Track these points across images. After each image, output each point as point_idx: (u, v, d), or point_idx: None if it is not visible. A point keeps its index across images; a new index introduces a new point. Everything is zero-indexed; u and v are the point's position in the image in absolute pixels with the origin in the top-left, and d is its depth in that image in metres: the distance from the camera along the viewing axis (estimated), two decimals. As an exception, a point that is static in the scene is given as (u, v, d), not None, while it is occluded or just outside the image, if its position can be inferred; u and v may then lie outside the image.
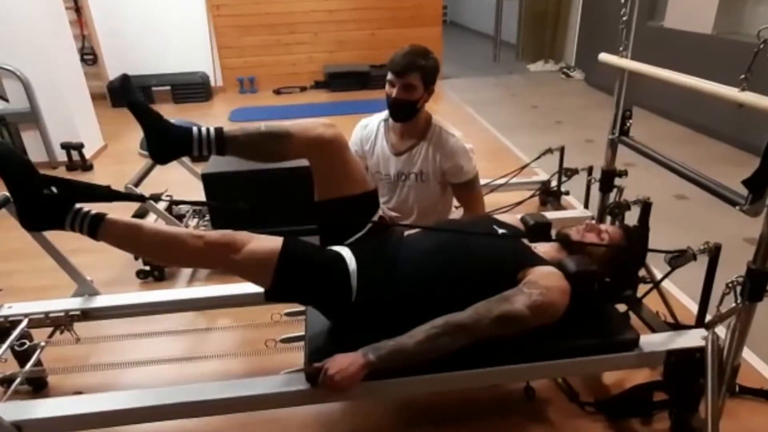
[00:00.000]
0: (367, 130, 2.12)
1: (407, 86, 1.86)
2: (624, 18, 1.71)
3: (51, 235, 1.73)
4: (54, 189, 1.28)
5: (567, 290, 1.36)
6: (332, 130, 1.48)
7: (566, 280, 1.37)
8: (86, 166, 3.98)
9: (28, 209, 1.29)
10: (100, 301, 1.77)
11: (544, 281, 1.34)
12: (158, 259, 1.58)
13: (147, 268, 2.47)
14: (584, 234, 1.53)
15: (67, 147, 3.92)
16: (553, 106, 5.62)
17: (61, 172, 3.98)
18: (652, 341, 1.51)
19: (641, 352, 1.46)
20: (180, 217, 2.83)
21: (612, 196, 2.00)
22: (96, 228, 1.32)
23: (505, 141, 4.47)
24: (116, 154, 4.35)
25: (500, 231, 1.55)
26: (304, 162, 1.51)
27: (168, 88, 5.98)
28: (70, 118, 4.00)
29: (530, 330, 1.33)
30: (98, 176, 3.94)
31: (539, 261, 1.45)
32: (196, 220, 2.83)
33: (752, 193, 1.19)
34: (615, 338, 1.48)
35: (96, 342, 1.84)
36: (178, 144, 1.42)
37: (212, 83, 6.29)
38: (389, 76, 1.89)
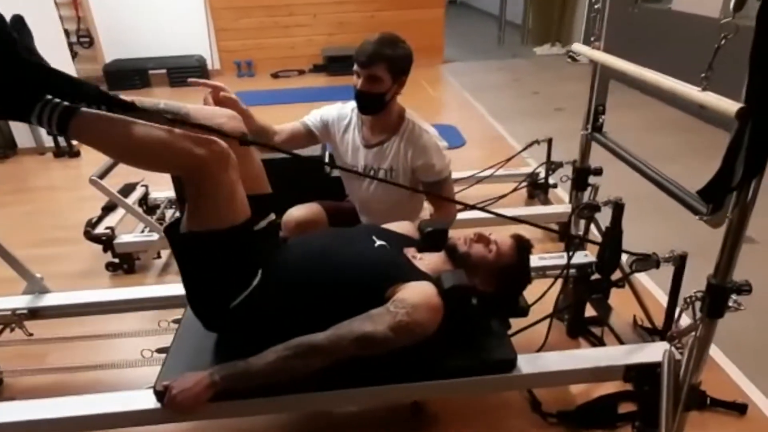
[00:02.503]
0: (340, 114, 2.02)
1: (371, 78, 1.76)
2: (596, 5, 1.59)
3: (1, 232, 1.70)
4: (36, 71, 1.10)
5: (437, 308, 1.25)
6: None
7: (439, 297, 1.26)
8: (73, 152, 3.95)
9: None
10: (50, 300, 1.73)
11: (412, 299, 1.23)
12: (134, 158, 1.27)
13: (116, 260, 2.44)
14: (472, 245, 1.41)
15: (53, 133, 3.88)
16: (554, 92, 5.45)
17: (49, 159, 3.97)
18: (610, 355, 1.43)
19: (598, 366, 1.38)
20: (154, 208, 2.79)
21: (587, 195, 1.90)
22: (68, 119, 1.13)
23: (500, 129, 4.34)
24: (105, 140, 4.30)
25: (378, 242, 1.43)
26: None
27: (164, 71, 5.91)
28: (57, 104, 3.95)
29: (397, 350, 1.24)
30: (85, 163, 3.91)
31: (414, 275, 1.33)
32: (171, 211, 2.78)
33: (708, 203, 1.09)
34: (491, 358, 1.38)
35: (50, 342, 1.80)
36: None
37: (209, 66, 6.21)
38: (354, 66, 1.80)
